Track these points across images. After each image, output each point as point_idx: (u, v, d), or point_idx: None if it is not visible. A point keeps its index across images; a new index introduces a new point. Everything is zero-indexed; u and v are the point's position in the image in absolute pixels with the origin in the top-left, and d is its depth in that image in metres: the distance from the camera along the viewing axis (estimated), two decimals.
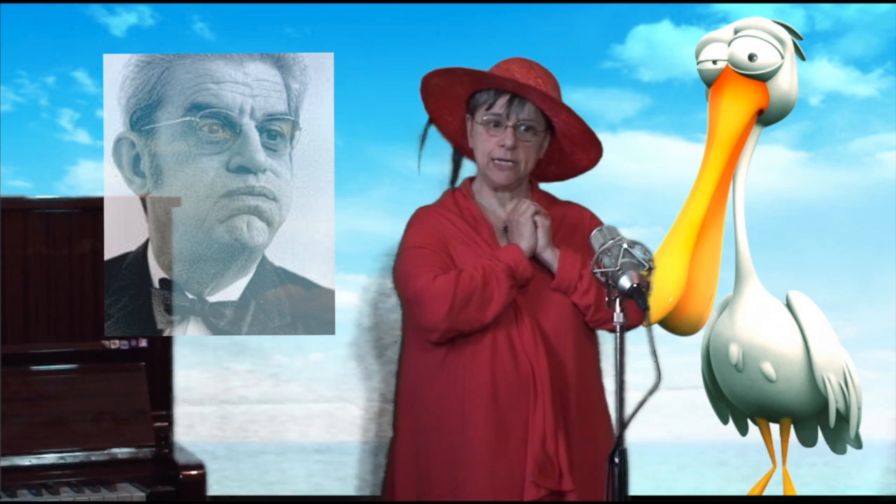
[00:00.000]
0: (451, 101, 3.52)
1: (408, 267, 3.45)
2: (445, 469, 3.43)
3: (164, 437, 3.67)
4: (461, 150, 3.64)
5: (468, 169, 3.66)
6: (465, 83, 3.48)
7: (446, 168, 3.69)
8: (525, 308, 3.42)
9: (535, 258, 3.46)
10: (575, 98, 4.27)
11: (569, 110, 3.43)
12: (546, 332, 3.42)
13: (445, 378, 3.44)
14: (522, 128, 3.44)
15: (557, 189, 3.67)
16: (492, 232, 3.50)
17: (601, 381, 3.53)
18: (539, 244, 3.44)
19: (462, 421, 3.40)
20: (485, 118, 3.45)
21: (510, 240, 3.47)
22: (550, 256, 3.45)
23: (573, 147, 3.52)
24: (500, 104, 3.43)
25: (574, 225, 3.55)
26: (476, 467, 3.39)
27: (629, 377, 2.84)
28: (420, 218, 3.55)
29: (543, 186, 3.66)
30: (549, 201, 3.57)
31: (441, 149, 3.68)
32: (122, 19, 4.27)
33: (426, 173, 3.63)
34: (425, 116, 3.61)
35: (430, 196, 3.67)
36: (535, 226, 3.44)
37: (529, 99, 3.43)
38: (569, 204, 3.61)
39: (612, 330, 3.25)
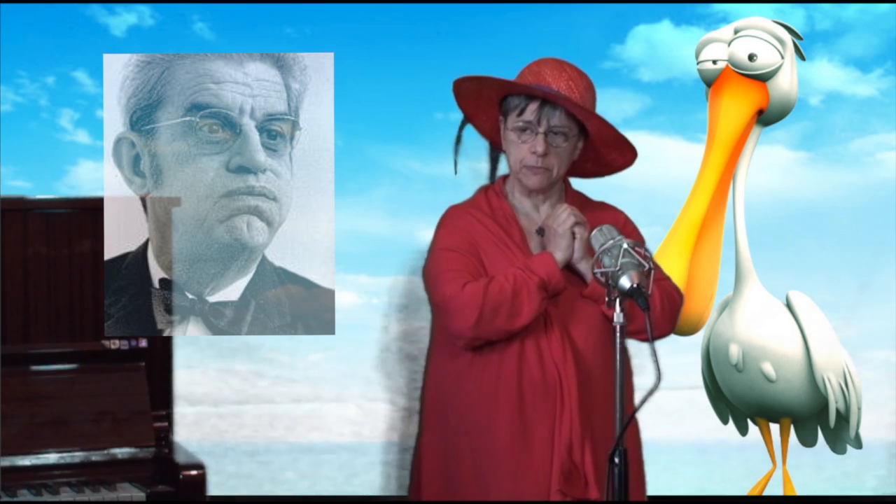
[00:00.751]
0: (484, 102, 3.48)
1: (437, 271, 3.42)
2: (473, 472, 3.42)
3: (164, 437, 3.67)
4: (498, 147, 3.60)
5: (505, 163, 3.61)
6: (496, 87, 3.45)
7: (447, 169, 3.67)
8: (555, 316, 3.37)
9: (568, 266, 3.39)
10: None
11: (600, 118, 3.39)
12: (575, 340, 3.38)
13: (473, 381, 3.41)
14: (553, 133, 3.39)
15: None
16: (523, 235, 3.46)
17: (630, 391, 3.43)
18: (575, 256, 3.37)
19: (488, 425, 3.39)
20: (516, 124, 3.41)
21: (546, 247, 3.41)
22: (585, 268, 3.38)
23: (607, 148, 3.47)
24: (531, 110, 3.38)
25: None
26: (501, 473, 3.37)
27: None
28: (451, 218, 3.50)
29: None
30: (583, 202, 3.51)
31: (443, 149, 3.67)
32: (122, 19, 4.27)
33: (427, 174, 3.62)
34: (425, 117, 3.60)
35: (431, 196, 3.67)
36: (574, 236, 3.37)
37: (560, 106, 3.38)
38: (603, 205, 3.55)
39: (644, 339, 3.23)
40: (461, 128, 3.55)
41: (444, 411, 3.48)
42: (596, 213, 3.47)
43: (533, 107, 3.38)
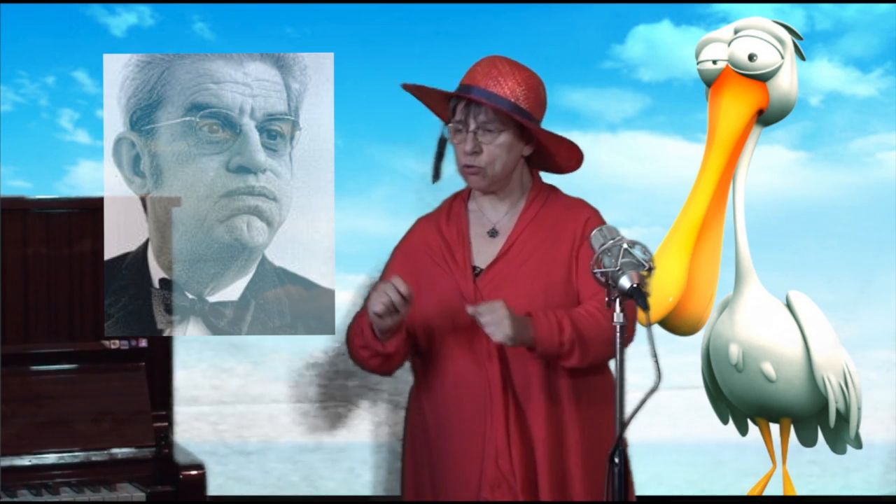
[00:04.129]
0: (437, 107, 3.49)
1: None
2: (431, 474, 3.45)
3: (164, 437, 3.67)
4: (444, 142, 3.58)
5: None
6: (423, 93, 3.45)
7: (447, 169, 3.67)
8: None
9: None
10: (575, 98, 4.28)
11: (522, 113, 3.33)
12: (508, 347, 3.32)
13: (428, 385, 3.46)
14: (485, 131, 3.36)
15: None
16: (466, 253, 3.43)
17: (590, 389, 3.39)
18: (506, 339, 3.22)
19: (438, 431, 3.41)
20: (451, 125, 3.42)
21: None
22: (525, 339, 3.25)
23: (555, 146, 3.43)
24: (460, 109, 3.38)
25: (559, 234, 3.42)
26: (447, 477, 3.40)
27: (629, 377, 2.84)
28: (407, 238, 3.55)
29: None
30: (549, 199, 3.47)
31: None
32: (122, 19, 4.27)
33: (427, 174, 3.62)
34: (424, 117, 3.59)
35: (431, 196, 3.66)
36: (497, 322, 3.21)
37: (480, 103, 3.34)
38: (570, 205, 3.48)
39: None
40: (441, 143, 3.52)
41: (417, 413, 3.51)
42: (558, 212, 3.43)
43: (461, 106, 3.38)
